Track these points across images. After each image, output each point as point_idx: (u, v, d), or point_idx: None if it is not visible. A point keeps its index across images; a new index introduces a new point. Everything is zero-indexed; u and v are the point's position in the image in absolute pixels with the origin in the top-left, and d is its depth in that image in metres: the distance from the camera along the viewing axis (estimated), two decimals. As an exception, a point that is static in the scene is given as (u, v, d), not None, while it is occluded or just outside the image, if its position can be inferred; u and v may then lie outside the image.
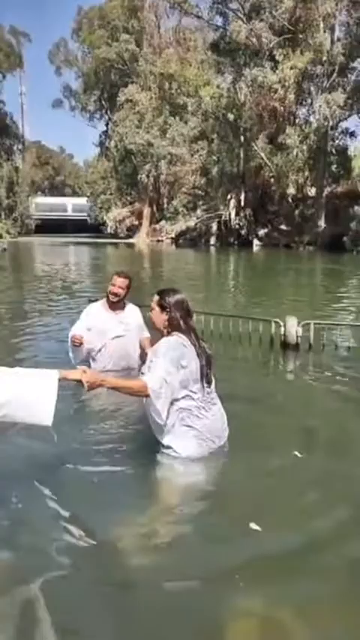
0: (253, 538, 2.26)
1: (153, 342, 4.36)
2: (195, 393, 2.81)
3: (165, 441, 2.83)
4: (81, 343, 4.07)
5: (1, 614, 1.81)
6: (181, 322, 2.87)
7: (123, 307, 4.32)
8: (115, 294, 4.20)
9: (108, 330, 4.22)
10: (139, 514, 2.46)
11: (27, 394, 2.19)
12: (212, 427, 2.88)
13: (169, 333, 2.88)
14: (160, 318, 2.93)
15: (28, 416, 2.22)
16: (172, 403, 2.75)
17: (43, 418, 2.21)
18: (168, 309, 2.89)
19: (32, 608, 1.84)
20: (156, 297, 2.99)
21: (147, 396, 2.64)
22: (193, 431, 2.81)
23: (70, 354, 4.24)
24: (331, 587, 2.01)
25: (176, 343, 2.79)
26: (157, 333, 3.05)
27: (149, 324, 4.60)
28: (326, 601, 1.93)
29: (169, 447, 2.83)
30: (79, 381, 2.49)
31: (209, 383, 2.89)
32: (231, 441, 3.00)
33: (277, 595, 1.94)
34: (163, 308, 2.92)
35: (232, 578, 1.99)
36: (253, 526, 2.29)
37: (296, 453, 3.03)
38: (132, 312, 4.38)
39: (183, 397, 2.78)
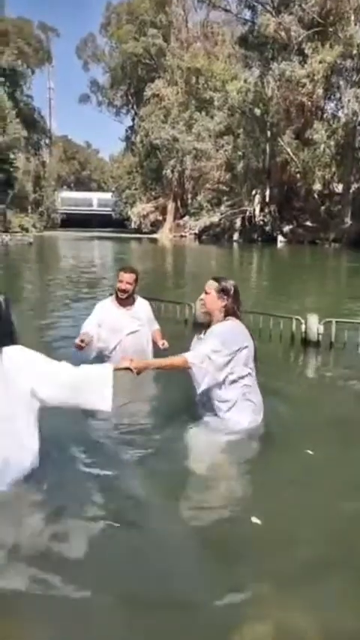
0: (263, 534, 2.26)
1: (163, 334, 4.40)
2: (253, 370, 3.08)
3: (225, 414, 3.00)
4: (81, 347, 3.89)
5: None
6: (236, 309, 3.08)
7: (133, 302, 4.25)
8: (124, 291, 4.13)
9: (123, 327, 4.15)
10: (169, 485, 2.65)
11: (90, 384, 2.52)
12: (261, 404, 3.15)
13: (224, 318, 3.05)
14: (216, 303, 3.07)
15: (91, 402, 2.53)
16: (236, 380, 2.98)
17: (103, 404, 2.52)
18: (226, 297, 3.06)
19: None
20: (215, 284, 3.10)
21: (189, 368, 2.89)
22: (253, 405, 3.07)
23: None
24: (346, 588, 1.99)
25: (232, 327, 3.02)
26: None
27: (159, 316, 4.62)
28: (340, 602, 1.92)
29: (226, 419, 3.01)
30: (128, 369, 2.76)
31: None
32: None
33: (290, 598, 1.92)
34: (221, 295, 3.06)
35: (243, 579, 2.00)
36: (254, 519, 2.31)
37: (309, 450, 3.01)
38: (142, 305, 4.34)
39: (246, 375, 3.02)
